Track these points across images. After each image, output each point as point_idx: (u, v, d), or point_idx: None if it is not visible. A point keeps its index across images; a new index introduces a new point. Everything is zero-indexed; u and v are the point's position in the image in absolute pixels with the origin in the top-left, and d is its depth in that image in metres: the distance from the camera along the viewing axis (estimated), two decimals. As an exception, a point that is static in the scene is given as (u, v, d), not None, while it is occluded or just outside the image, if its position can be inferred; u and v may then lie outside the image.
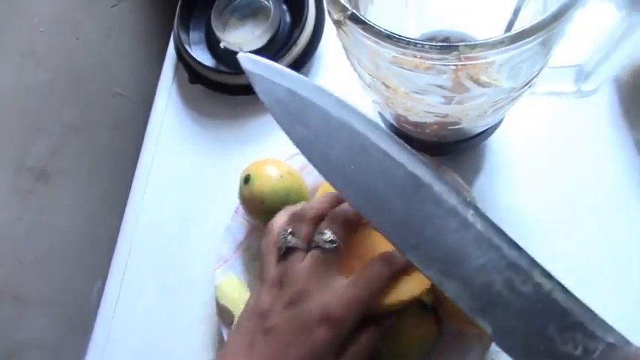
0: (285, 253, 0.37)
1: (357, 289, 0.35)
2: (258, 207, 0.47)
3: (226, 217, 0.51)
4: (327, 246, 0.36)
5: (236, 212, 0.51)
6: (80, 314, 0.60)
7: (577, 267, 0.46)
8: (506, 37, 0.27)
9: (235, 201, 0.49)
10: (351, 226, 0.38)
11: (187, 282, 0.53)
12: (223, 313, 0.47)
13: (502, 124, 0.49)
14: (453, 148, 0.49)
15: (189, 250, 0.55)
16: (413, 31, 0.48)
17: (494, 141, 0.51)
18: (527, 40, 0.28)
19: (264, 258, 0.39)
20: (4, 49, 0.51)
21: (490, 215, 0.45)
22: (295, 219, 0.39)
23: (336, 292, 0.35)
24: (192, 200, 0.56)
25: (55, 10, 0.57)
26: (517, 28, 0.38)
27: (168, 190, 0.57)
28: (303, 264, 0.36)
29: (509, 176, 0.50)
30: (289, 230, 0.38)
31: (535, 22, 0.27)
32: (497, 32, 0.44)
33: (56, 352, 0.58)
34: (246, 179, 0.47)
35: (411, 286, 0.37)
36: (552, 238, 0.47)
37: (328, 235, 0.36)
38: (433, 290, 0.42)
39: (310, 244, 0.37)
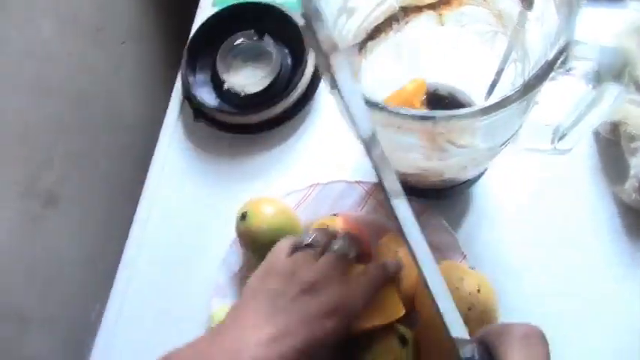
0: (299, 250, 0.43)
1: (364, 287, 0.40)
2: (253, 242, 0.50)
3: (223, 248, 0.53)
4: (342, 252, 0.42)
5: (232, 245, 0.53)
6: (81, 334, 0.62)
7: (555, 308, 0.48)
8: (479, 109, 0.30)
9: (232, 234, 0.52)
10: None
11: (185, 310, 0.55)
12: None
13: (487, 172, 0.52)
14: (440, 194, 0.52)
15: (188, 279, 0.57)
16: (405, 82, 0.51)
17: (479, 187, 0.53)
18: (497, 112, 0.30)
19: (269, 257, 0.43)
20: (17, 80, 0.54)
21: (474, 256, 0.48)
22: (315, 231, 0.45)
23: (348, 288, 0.39)
24: (191, 232, 0.59)
25: (68, 43, 0.60)
26: (497, 90, 0.41)
27: (169, 221, 0.60)
28: (318, 262, 0.41)
29: (494, 220, 0.53)
30: (310, 232, 0.44)
31: (504, 96, 0.30)
32: (483, 87, 0.48)
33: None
34: (243, 216, 0.50)
35: (386, 313, 0.42)
36: (534, 277, 0.50)
37: (343, 243, 0.43)
38: (418, 328, 0.45)
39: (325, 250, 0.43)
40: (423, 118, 0.30)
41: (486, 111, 0.30)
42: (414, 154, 0.36)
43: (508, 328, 0.30)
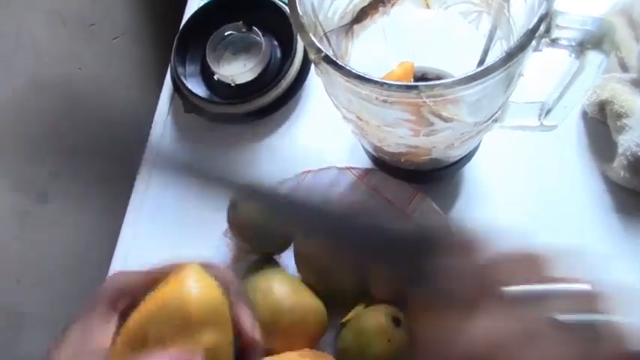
0: None
1: None
2: (245, 231, 0.50)
3: (216, 240, 0.53)
4: None
5: (224, 235, 0.53)
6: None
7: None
8: (463, 77, 0.30)
9: (224, 225, 0.52)
10: None
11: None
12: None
13: (477, 153, 0.52)
14: (430, 176, 0.52)
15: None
16: (393, 66, 0.51)
17: (469, 169, 0.54)
18: (481, 80, 0.31)
19: None
20: (8, 76, 0.54)
21: None
22: None
23: None
24: (183, 224, 0.59)
25: (59, 40, 0.61)
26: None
27: (160, 214, 0.60)
28: None
29: (484, 202, 0.53)
30: None
31: (487, 64, 0.30)
32: (471, 68, 0.48)
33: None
34: (234, 205, 0.50)
35: None
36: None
37: None
38: (408, 307, 0.45)
39: None
40: (408, 87, 0.31)
41: (470, 79, 0.30)
42: (402, 129, 0.37)
43: None
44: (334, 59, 0.32)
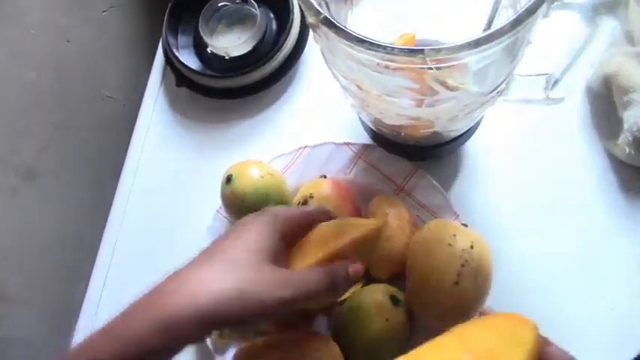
0: None
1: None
2: (239, 206, 0.48)
3: (209, 216, 0.52)
4: None
5: (218, 212, 0.52)
6: (65, 313, 0.61)
7: (549, 266, 0.47)
8: (469, 42, 0.29)
9: (218, 201, 0.50)
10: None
11: (170, 281, 0.54)
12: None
13: (478, 129, 0.50)
14: (430, 153, 0.51)
15: (173, 250, 0.55)
16: (394, 38, 0.50)
17: (470, 146, 0.52)
18: (488, 45, 0.29)
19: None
20: (-6, 49, 0.52)
21: (466, 216, 0.47)
22: None
23: None
24: (176, 200, 0.57)
25: (47, 13, 0.58)
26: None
27: (152, 191, 0.58)
28: None
29: (485, 179, 0.52)
30: None
31: (495, 29, 0.29)
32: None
33: (40, 350, 0.58)
34: (228, 179, 0.48)
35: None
36: (526, 238, 0.49)
37: None
38: (407, 286, 0.43)
39: None
40: (412, 52, 0.29)
41: (476, 44, 0.29)
42: (404, 99, 0.35)
43: None
44: (334, 21, 0.30)
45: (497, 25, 0.43)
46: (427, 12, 0.47)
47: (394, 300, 0.43)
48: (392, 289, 0.44)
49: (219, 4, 0.60)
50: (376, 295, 0.44)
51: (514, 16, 0.29)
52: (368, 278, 0.47)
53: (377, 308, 0.42)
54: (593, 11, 0.31)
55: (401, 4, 0.47)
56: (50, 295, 0.61)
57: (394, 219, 0.46)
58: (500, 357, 0.27)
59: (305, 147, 0.52)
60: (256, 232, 0.35)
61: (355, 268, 0.35)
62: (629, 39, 0.50)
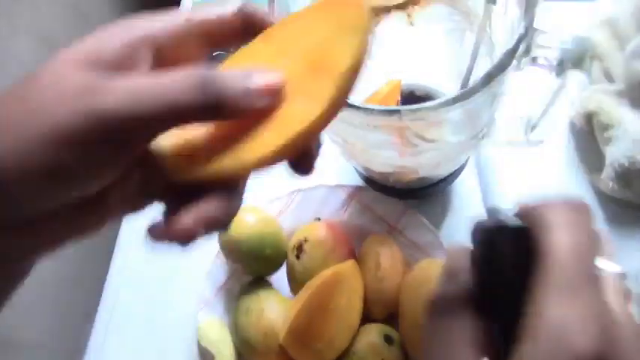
0: None
1: None
2: (236, 252, 0.50)
3: (208, 261, 0.53)
4: None
5: (217, 257, 0.53)
6: (70, 356, 0.61)
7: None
8: (444, 100, 0.31)
9: (216, 246, 0.52)
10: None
11: (172, 324, 0.55)
12: (204, 355, 0.49)
13: (465, 170, 0.52)
14: (420, 193, 0.52)
15: (173, 294, 0.57)
16: (380, 82, 0.51)
17: (458, 185, 0.54)
18: (461, 103, 0.31)
19: None
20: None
21: None
22: None
23: None
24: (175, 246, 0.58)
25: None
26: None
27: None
28: None
29: (474, 218, 0.53)
30: None
31: (467, 88, 0.30)
32: (457, 85, 0.48)
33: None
34: (224, 225, 0.50)
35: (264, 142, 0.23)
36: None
37: None
38: (400, 326, 0.44)
39: None
40: (389, 112, 0.31)
41: (449, 102, 0.30)
42: (388, 151, 0.37)
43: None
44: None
45: (477, 72, 0.45)
46: (411, 58, 0.49)
47: (388, 339, 0.44)
48: (387, 329, 0.45)
49: (214, 54, 0.62)
50: (370, 336, 0.45)
51: (486, 74, 0.31)
52: (364, 319, 0.48)
53: (371, 349, 0.44)
54: (560, 66, 0.33)
55: (385, 52, 0.48)
56: (55, 338, 0.62)
57: (387, 260, 0.47)
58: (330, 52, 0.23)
59: (298, 190, 0.54)
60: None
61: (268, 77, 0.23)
62: (608, 76, 0.52)
